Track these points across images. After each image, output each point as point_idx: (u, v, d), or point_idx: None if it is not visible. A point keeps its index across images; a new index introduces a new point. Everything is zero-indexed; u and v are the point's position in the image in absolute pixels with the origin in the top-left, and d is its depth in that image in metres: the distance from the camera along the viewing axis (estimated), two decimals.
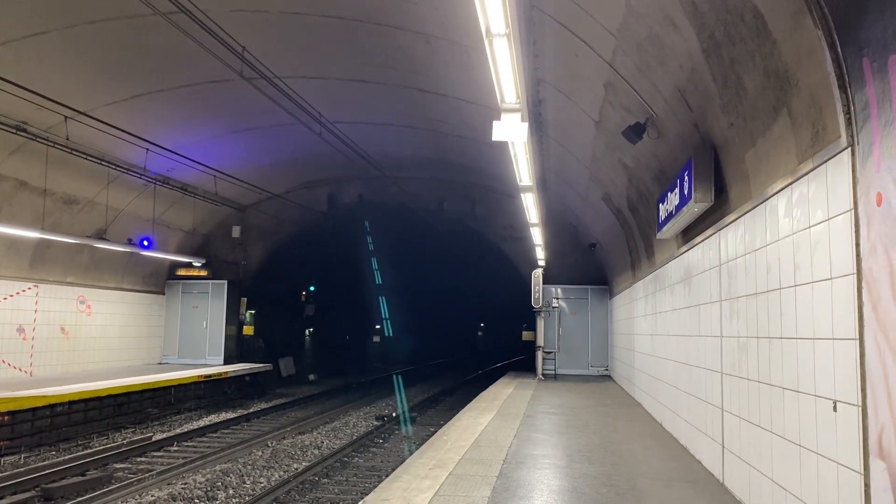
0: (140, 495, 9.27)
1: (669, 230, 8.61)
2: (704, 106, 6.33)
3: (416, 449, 9.31)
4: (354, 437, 13.82)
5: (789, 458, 4.83)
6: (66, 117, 12.10)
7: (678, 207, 7.54)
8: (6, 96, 10.94)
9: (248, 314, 23.26)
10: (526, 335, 25.08)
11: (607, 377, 20.09)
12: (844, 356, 3.92)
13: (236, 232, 21.52)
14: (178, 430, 14.16)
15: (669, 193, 8.11)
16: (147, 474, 10.02)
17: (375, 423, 15.97)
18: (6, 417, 11.64)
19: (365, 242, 32.11)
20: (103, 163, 14.40)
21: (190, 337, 21.59)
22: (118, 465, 11.06)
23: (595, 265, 20.63)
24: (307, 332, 34.65)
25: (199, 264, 20.68)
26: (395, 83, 12.97)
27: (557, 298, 21.13)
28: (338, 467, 11.34)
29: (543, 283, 20.10)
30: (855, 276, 3.79)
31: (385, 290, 42.36)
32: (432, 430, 14.61)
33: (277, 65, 11.74)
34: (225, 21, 9.95)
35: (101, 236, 15.78)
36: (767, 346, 5.33)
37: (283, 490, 9.53)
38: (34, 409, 12.25)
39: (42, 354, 15.98)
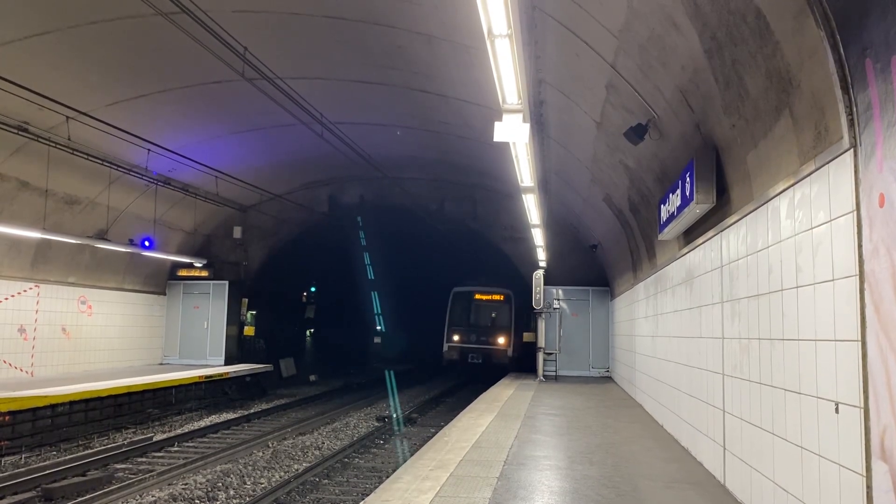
0: (140, 496, 9.26)
1: (671, 231, 8.61)
2: (706, 107, 6.32)
3: (417, 450, 9.30)
4: (355, 438, 13.81)
5: (791, 459, 4.82)
6: (67, 118, 12.10)
7: (680, 209, 7.54)
8: (8, 96, 10.95)
9: (249, 315, 23.26)
10: (527, 336, 25.00)
11: (608, 379, 20.07)
12: (846, 358, 3.91)
13: (237, 233, 21.54)
14: (179, 431, 14.16)
15: (671, 195, 8.11)
16: (148, 475, 10.02)
17: (376, 423, 15.96)
18: (7, 417, 11.64)
19: (366, 243, 32.10)
20: (105, 163, 14.41)
21: (191, 337, 21.59)
22: (119, 466, 11.06)
23: (596, 266, 20.63)
24: (308, 332, 34.66)
25: (200, 265, 20.68)
26: (396, 84, 12.96)
27: (558, 300, 21.12)
28: (338, 468, 11.34)
29: (544, 285, 20.10)
30: (857, 277, 3.78)
31: (386, 290, 42.34)
32: (433, 430, 14.59)
33: (279, 65, 11.74)
34: (226, 21, 9.95)
35: (102, 237, 15.78)
36: (769, 348, 5.32)
37: (284, 491, 9.52)
38: (35, 410, 12.25)
39: (43, 355, 15.98)
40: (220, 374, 18.23)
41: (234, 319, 22.06)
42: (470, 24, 9.14)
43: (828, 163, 4.15)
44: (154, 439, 12.85)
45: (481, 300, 24.85)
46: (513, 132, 6.25)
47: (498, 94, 5.97)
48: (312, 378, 26.76)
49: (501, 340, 23.95)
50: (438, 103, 13.49)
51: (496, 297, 24.77)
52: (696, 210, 7.05)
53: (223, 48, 9.98)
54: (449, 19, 9.61)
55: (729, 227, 6.52)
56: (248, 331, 23.27)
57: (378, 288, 41.42)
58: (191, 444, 13.12)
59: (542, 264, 20.03)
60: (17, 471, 9.91)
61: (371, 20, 10.33)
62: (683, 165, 7.44)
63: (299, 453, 12.35)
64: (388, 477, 8.44)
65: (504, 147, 8.78)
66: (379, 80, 12.89)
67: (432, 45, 10.70)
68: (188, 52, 10.88)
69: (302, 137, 15.57)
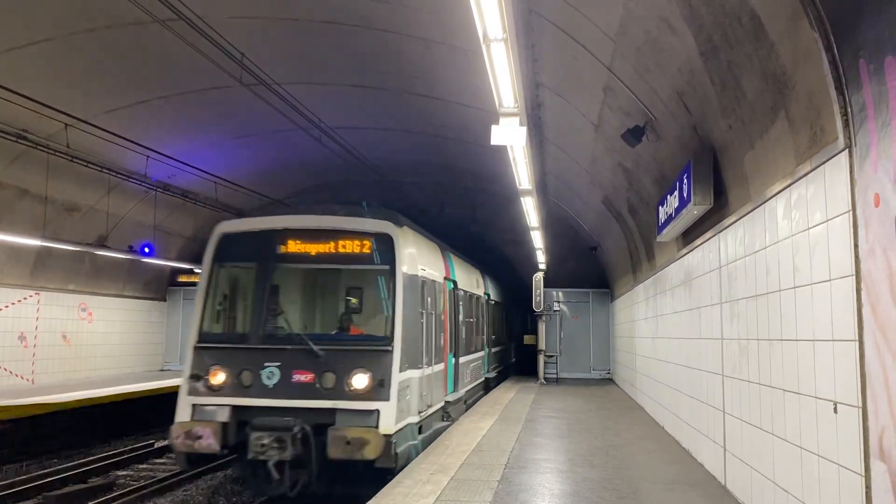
0: (142, 502, 9.25)
1: (669, 233, 8.62)
2: (703, 109, 6.34)
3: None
4: None
5: (790, 460, 4.82)
6: (66, 125, 12.11)
7: (678, 210, 7.54)
8: (6, 104, 10.96)
9: None
10: (527, 339, 24.83)
11: (609, 381, 20.06)
12: (844, 358, 3.92)
13: None
14: None
15: (669, 196, 8.12)
16: (149, 481, 10.01)
17: None
18: (8, 425, 11.64)
19: None
20: (104, 170, 14.42)
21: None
22: (120, 472, 11.05)
23: (596, 268, 20.63)
24: None
25: (200, 271, 20.68)
26: (394, 88, 12.98)
27: (559, 302, 21.11)
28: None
29: (544, 287, 20.10)
30: (854, 277, 3.78)
31: None
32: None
33: (277, 71, 11.75)
34: (224, 28, 9.97)
35: (102, 243, 15.79)
36: (768, 349, 5.32)
37: None
38: (36, 417, 12.24)
39: (44, 362, 15.97)
40: None
41: None
42: (467, 29, 9.15)
43: (823, 163, 4.16)
44: (155, 446, 12.84)
45: (303, 258, 9.32)
46: (510, 135, 6.26)
47: (495, 98, 5.99)
48: None
49: (360, 383, 8.32)
50: (436, 107, 13.50)
51: (346, 242, 9.17)
52: (693, 211, 7.06)
53: (221, 54, 9.99)
54: (446, 24, 9.62)
55: (727, 228, 6.53)
56: None
57: None
58: None
59: (542, 267, 20.03)
60: (18, 478, 9.91)
61: (368, 25, 10.35)
62: (681, 167, 7.45)
63: None
64: (389, 481, 8.43)
65: (503, 150, 8.80)
66: (376, 85, 12.91)
67: (430, 49, 10.71)
68: (186, 59, 10.90)
69: (300, 142, 15.58)
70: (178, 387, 8.92)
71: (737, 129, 5.73)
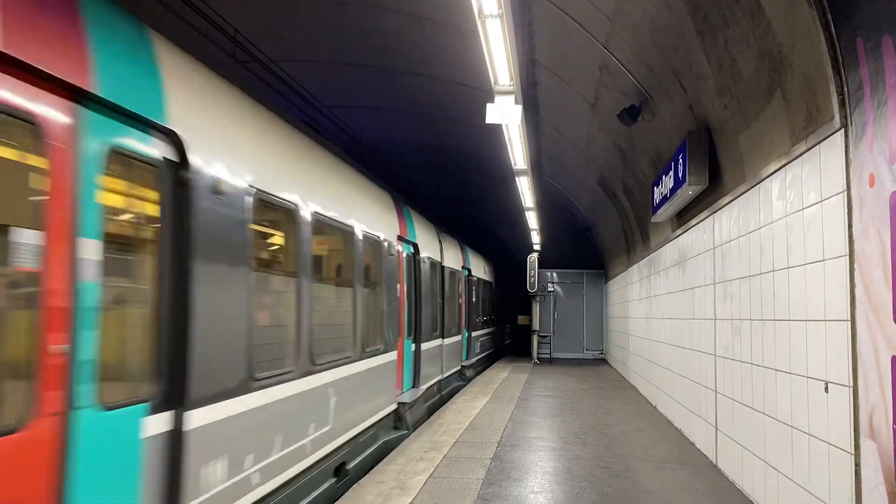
0: None
1: (664, 213, 8.61)
2: (699, 88, 6.30)
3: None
4: None
5: (781, 439, 4.86)
6: None
7: (672, 190, 7.53)
8: None
9: None
10: (521, 319, 24.89)
11: (603, 360, 20.17)
12: (836, 337, 3.93)
13: None
14: None
15: (664, 176, 8.10)
16: None
17: None
18: None
19: None
20: None
21: None
22: None
23: (591, 249, 20.66)
24: None
25: None
26: (388, 66, 12.88)
27: (553, 283, 21.16)
28: None
29: (539, 267, 20.13)
30: (847, 257, 3.79)
31: None
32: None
33: (270, 48, 11.64)
34: (217, 3, 9.85)
35: None
36: (760, 329, 5.34)
37: None
38: None
39: None
40: None
41: None
42: (462, 5, 9.06)
43: (819, 143, 4.14)
44: None
45: None
46: (505, 114, 6.22)
47: (490, 76, 5.94)
48: None
49: None
50: (431, 86, 13.41)
51: None
52: (688, 191, 7.05)
53: (214, 31, 9.88)
54: (441, 0, 9.53)
55: (721, 208, 6.52)
56: None
57: None
58: None
59: (537, 247, 20.05)
60: None
61: (363, 2, 10.24)
62: (676, 147, 7.43)
63: None
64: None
65: (498, 130, 8.76)
66: (371, 63, 12.80)
67: (425, 27, 10.62)
68: (178, 35, 10.78)
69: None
70: None
71: (732, 109, 5.70)
